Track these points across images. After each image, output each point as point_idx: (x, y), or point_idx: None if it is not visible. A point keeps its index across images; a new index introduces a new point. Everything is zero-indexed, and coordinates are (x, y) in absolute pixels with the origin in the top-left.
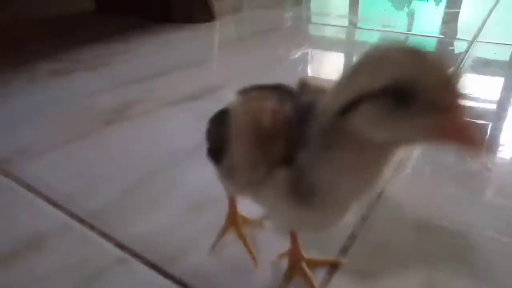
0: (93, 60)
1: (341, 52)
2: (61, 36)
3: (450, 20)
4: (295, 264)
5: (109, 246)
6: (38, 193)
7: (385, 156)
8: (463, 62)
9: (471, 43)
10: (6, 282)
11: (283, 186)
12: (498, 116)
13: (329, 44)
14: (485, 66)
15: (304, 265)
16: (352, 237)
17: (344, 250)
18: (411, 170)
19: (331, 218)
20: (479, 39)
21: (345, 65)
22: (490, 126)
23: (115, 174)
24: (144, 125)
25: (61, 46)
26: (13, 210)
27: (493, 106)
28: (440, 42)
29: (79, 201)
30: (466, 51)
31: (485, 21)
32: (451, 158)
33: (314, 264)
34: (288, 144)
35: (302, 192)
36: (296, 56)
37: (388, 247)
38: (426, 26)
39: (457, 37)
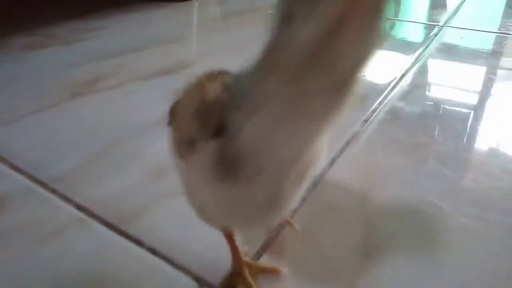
0: (68, 36)
1: None
2: (36, 11)
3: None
4: (236, 270)
5: (69, 208)
6: (1, 159)
7: (317, 123)
8: (429, 45)
9: (441, 28)
10: None
11: (209, 158)
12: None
13: None
14: (450, 51)
15: (245, 271)
16: (302, 200)
17: (294, 211)
18: (365, 142)
19: (264, 201)
20: (450, 24)
21: None
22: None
23: (80, 143)
24: (113, 98)
25: (36, 21)
26: None
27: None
28: (424, 27)
29: (42, 167)
30: (435, 35)
31: (459, 7)
32: (403, 132)
33: (258, 271)
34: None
35: (227, 163)
36: None
37: (333, 210)
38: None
39: (432, 22)
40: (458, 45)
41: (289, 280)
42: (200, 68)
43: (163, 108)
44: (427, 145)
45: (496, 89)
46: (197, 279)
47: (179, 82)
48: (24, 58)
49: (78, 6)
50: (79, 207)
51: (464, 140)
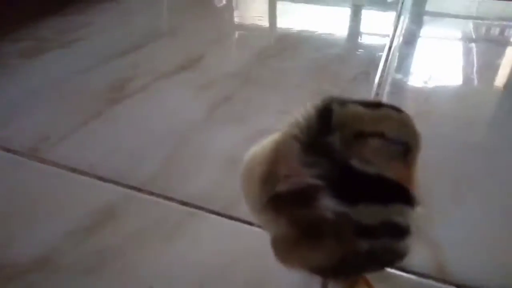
0: (58, 37)
1: None
2: (5, 12)
3: None
4: None
5: (175, 205)
6: (83, 172)
7: None
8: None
9: None
10: (98, 248)
11: None
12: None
13: None
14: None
15: None
16: None
17: None
18: None
19: None
20: None
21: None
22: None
23: (147, 146)
24: (148, 100)
25: (14, 24)
26: (69, 191)
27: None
28: None
29: (127, 174)
30: None
31: None
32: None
33: None
34: None
35: None
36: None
37: None
38: None
39: None
40: None
41: None
42: (212, 61)
43: (199, 105)
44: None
45: None
46: None
47: (197, 78)
48: (27, 67)
49: (49, 1)
50: (183, 203)
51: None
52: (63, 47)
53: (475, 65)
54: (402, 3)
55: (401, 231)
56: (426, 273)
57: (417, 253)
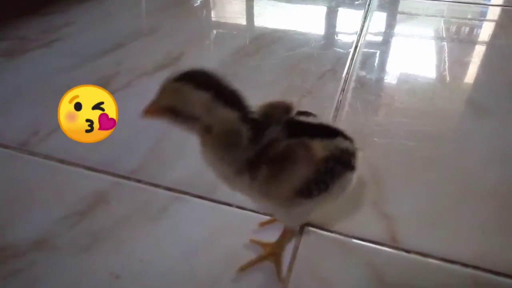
0: (40, 36)
1: None
2: None
3: None
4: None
5: (161, 191)
6: (72, 163)
7: None
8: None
9: None
10: (91, 230)
11: None
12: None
13: None
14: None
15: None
16: None
17: None
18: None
19: None
20: None
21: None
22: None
23: (133, 138)
24: (132, 95)
25: None
26: (60, 180)
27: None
28: None
29: (114, 164)
30: None
31: None
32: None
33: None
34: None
35: None
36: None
37: None
38: None
39: None
40: None
41: None
42: (191, 59)
43: None
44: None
45: None
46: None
47: None
48: (11, 66)
49: (19, 2)
50: (168, 189)
51: None
52: (46, 47)
53: (446, 61)
54: (369, 4)
55: (348, 154)
56: (381, 242)
57: (373, 225)
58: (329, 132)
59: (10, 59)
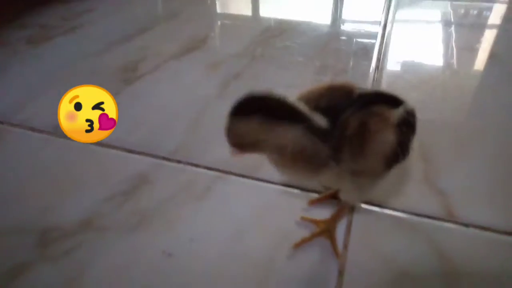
0: (62, 24)
1: None
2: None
3: None
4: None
5: (202, 171)
6: (110, 146)
7: None
8: None
9: None
10: (137, 210)
11: None
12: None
13: None
14: None
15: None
16: None
17: None
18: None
19: None
20: None
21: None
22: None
23: (169, 120)
24: (163, 79)
25: (17, 12)
26: (100, 162)
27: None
28: None
29: (155, 146)
30: None
31: None
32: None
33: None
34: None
35: None
36: None
37: None
38: None
39: None
40: None
41: None
42: (217, 42)
43: (211, 83)
44: None
45: None
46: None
47: (206, 57)
48: (37, 52)
49: None
50: (209, 168)
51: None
52: (69, 33)
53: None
54: None
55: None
56: (439, 216)
57: (428, 200)
58: (387, 98)
59: (35, 46)
